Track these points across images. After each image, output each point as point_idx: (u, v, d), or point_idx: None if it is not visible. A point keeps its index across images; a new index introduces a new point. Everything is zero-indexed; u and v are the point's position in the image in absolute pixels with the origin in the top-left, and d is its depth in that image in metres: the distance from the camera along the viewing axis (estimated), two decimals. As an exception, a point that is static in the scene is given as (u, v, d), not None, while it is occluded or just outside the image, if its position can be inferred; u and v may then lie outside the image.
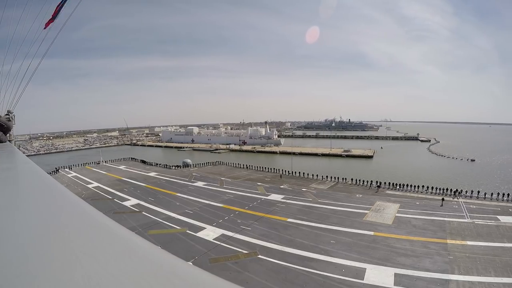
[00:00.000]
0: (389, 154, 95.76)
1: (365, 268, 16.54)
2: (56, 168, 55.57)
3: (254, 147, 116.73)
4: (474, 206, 27.86)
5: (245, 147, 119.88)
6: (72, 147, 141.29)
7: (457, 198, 30.83)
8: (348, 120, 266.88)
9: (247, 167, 54.65)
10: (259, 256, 18.37)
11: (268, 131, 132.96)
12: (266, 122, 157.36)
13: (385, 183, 37.45)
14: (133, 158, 70.96)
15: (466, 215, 25.45)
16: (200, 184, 40.90)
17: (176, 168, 57.38)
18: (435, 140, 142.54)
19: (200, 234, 22.12)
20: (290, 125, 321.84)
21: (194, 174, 49.04)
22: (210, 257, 18.34)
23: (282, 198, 32.37)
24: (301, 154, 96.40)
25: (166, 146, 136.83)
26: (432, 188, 34.31)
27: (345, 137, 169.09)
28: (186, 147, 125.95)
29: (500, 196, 30.50)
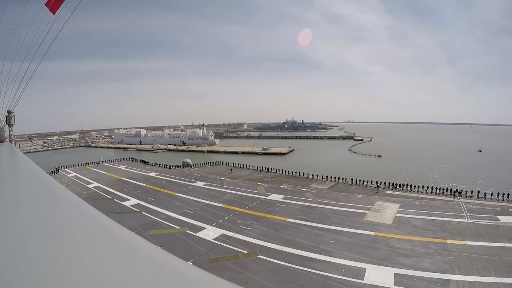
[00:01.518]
0: (305, 152, 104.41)
1: (365, 268, 16.53)
2: (56, 168, 55.60)
3: (188, 147, 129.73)
4: (474, 206, 27.86)
5: (181, 147, 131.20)
6: (30, 149, 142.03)
7: (457, 198, 30.85)
8: (301, 121, 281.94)
9: (247, 167, 54.76)
10: (259, 256, 18.36)
11: (205, 132, 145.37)
12: (203, 124, 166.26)
13: (385, 183, 37.46)
14: (133, 158, 70.97)
15: (466, 215, 25.45)
16: (200, 184, 40.90)
17: (176, 168, 57.42)
18: (370, 139, 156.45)
19: (200, 234, 22.12)
20: (247, 127, 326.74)
21: (194, 174, 49.06)
22: (210, 257, 18.33)
23: (282, 198, 32.37)
24: (225, 152, 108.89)
25: (115, 147, 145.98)
26: (433, 188, 34.36)
27: (285, 137, 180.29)
28: (131, 148, 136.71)
29: (500, 196, 30.53)
